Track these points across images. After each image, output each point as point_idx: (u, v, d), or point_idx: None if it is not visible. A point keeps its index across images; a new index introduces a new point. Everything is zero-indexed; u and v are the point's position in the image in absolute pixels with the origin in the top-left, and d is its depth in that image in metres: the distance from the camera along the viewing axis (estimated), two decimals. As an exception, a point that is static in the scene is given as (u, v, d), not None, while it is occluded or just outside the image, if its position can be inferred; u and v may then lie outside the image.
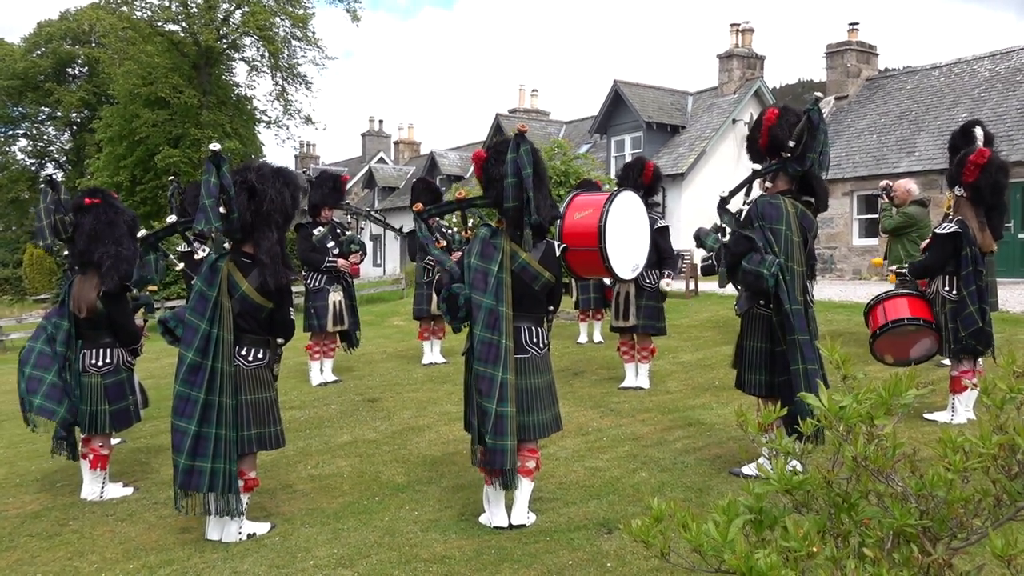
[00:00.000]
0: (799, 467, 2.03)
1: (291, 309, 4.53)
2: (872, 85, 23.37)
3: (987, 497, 1.88)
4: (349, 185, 39.68)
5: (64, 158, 46.01)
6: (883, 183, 8.25)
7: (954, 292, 5.70)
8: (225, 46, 32.15)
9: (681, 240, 17.93)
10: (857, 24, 23.31)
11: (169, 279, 18.51)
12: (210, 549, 4.26)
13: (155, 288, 5.99)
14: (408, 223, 10.03)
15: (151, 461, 6.16)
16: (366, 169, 40.16)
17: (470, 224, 4.67)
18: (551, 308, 4.49)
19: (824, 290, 13.85)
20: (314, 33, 33.08)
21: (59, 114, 43.39)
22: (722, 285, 5.00)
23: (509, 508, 4.33)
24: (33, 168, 44.48)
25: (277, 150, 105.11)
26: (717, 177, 21.10)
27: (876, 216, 19.96)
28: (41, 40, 42.32)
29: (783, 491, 1.90)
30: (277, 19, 31.71)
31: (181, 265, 5.27)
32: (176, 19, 31.21)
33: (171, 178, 9.01)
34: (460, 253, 7.05)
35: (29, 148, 45.32)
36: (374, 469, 5.61)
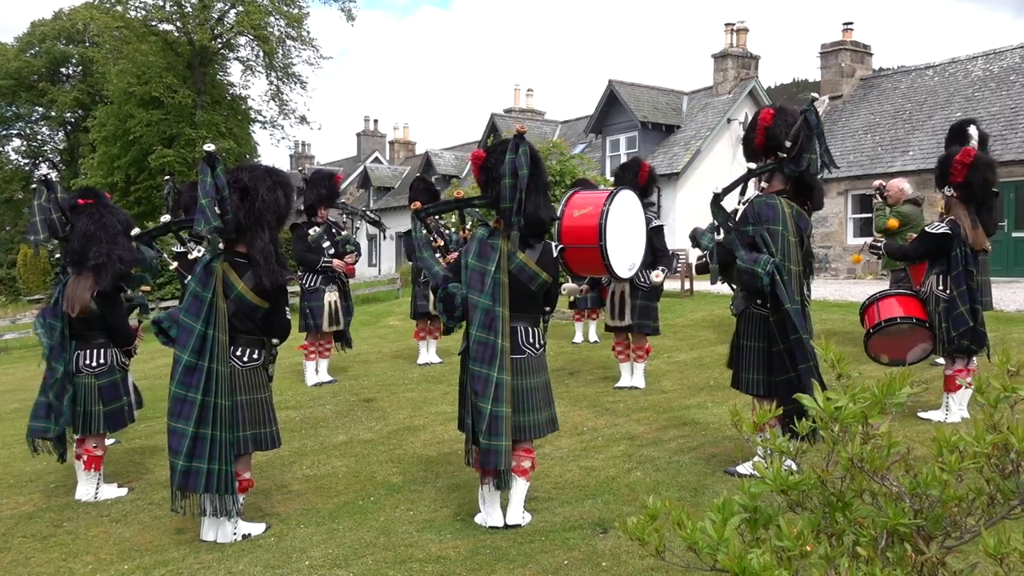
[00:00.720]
0: (794, 466, 2.04)
1: (287, 309, 4.52)
2: (866, 84, 23.43)
3: (981, 496, 1.89)
4: (344, 185, 39.74)
5: (58, 158, 45.92)
6: (877, 183, 8.27)
7: (946, 291, 5.72)
8: (219, 46, 32.11)
9: (676, 240, 17.95)
10: (851, 24, 23.39)
11: (163, 279, 18.45)
12: (205, 550, 4.25)
13: (149, 288, 5.99)
14: (404, 223, 10.04)
15: (146, 462, 6.15)
16: (361, 169, 40.11)
17: (468, 224, 4.67)
18: (547, 309, 4.50)
19: (819, 289, 13.88)
20: (309, 33, 33.14)
21: (53, 114, 43.30)
22: (713, 282, 5.01)
23: (504, 508, 4.33)
24: (27, 168, 44.39)
25: (272, 150, 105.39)
26: (712, 177, 21.11)
27: (871, 215, 20.04)
28: (35, 39, 42.23)
29: (778, 491, 1.90)
30: (272, 19, 31.70)
31: (175, 264, 5.25)
32: (170, 18, 31.16)
33: (167, 177, 8.99)
34: (457, 253, 7.05)
35: (23, 148, 45.25)
36: (369, 469, 5.60)
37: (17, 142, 44.99)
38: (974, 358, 5.91)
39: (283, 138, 49.24)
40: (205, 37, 30.45)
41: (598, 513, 4.41)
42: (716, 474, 4.96)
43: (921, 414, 5.99)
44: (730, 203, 4.98)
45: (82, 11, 32.95)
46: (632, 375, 7.82)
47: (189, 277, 4.35)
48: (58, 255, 5.42)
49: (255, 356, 4.35)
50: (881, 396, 1.84)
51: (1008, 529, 1.78)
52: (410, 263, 10.01)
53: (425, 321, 9.83)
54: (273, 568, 3.95)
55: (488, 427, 4.07)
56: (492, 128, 29.03)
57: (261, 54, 32.53)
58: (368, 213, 10.40)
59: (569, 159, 18.29)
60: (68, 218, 5.19)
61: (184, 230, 5.44)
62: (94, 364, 5.18)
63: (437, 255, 8.89)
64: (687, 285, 15.48)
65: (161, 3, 30.78)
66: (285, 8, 31.82)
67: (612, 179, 8.31)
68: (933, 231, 5.76)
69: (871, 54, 24.23)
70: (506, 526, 4.27)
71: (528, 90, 34.62)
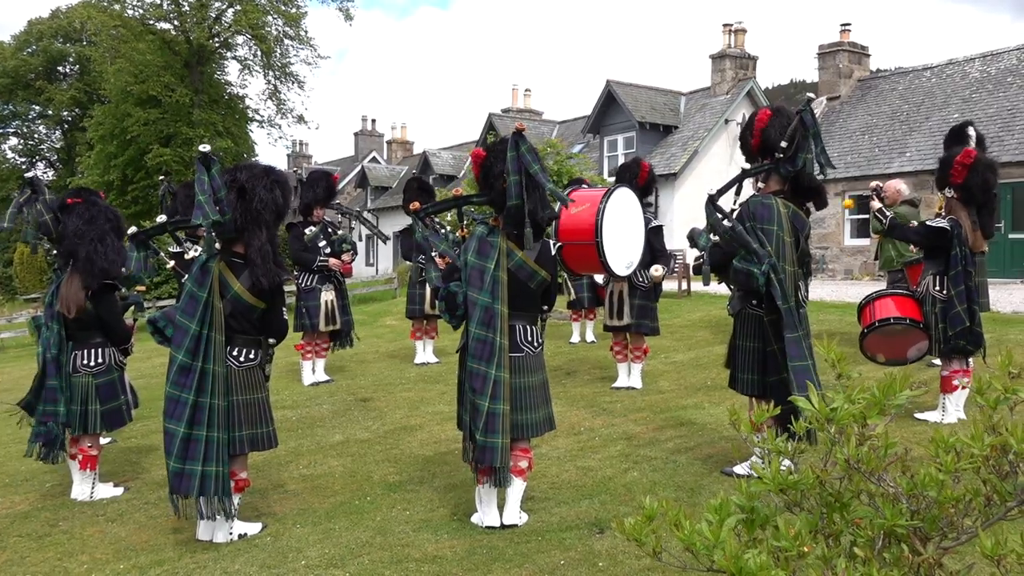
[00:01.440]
0: (791, 466, 2.03)
1: (284, 309, 4.51)
2: (864, 86, 23.46)
3: (977, 497, 1.88)
4: (342, 184, 39.70)
5: (55, 157, 45.85)
6: (874, 184, 8.27)
7: (943, 292, 5.72)
8: (217, 44, 32.04)
9: (674, 240, 17.95)
10: (849, 25, 23.42)
11: (160, 278, 18.43)
12: (201, 549, 4.24)
13: (144, 288, 5.97)
14: (401, 223, 10.03)
15: (142, 461, 6.14)
16: (359, 168, 40.09)
17: (465, 223, 4.66)
18: (545, 307, 4.49)
19: (816, 290, 13.88)
20: (306, 32, 33.06)
21: (50, 112, 43.24)
22: (706, 283, 5.01)
23: (501, 508, 4.32)
24: (23, 167, 44.28)
25: (269, 149, 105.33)
26: (710, 177, 21.12)
27: (867, 216, 20.06)
28: (32, 38, 42.16)
29: (776, 490, 1.90)
30: (269, 18, 31.63)
31: (172, 263, 5.24)
32: (168, 17, 31.10)
33: (162, 178, 8.97)
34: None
35: (20, 147, 45.18)
36: (366, 469, 5.60)
37: (14, 141, 44.98)
38: (970, 359, 5.92)
39: (280, 137, 49.32)
40: (203, 36, 30.39)
41: (595, 513, 4.41)
42: (713, 474, 4.96)
43: (918, 415, 5.99)
44: (726, 204, 4.98)
45: (79, 9, 32.88)
46: (629, 375, 7.82)
47: (186, 276, 4.33)
48: (55, 252, 5.41)
49: (251, 356, 4.34)
50: (881, 397, 1.83)
51: (1005, 530, 1.78)
52: (408, 263, 9.97)
53: (421, 321, 9.83)
54: (269, 568, 3.94)
55: (485, 424, 4.07)
56: (490, 128, 29.02)
57: (259, 53, 32.47)
58: (366, 217, 10.38)
59: (567, 159, 18.29)
60: (59, 218, 5.17)
61: (181, 230, 5.43)
62: (92, 364, 5.17)
63: (435, 254, 8.92)
64: (685, 285, 15.48)
65: (159, 2, 30.71)
66: (283, 7, 31.75)
67: (611, 179, 8.30)
68: (933, 224, 5.76)
69: (869, 55, 24.27)
70: (503, 526, 4.27)
71: (526, 90, 34.62)
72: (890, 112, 21.45)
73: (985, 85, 20.17)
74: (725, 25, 25.21)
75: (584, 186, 6.50)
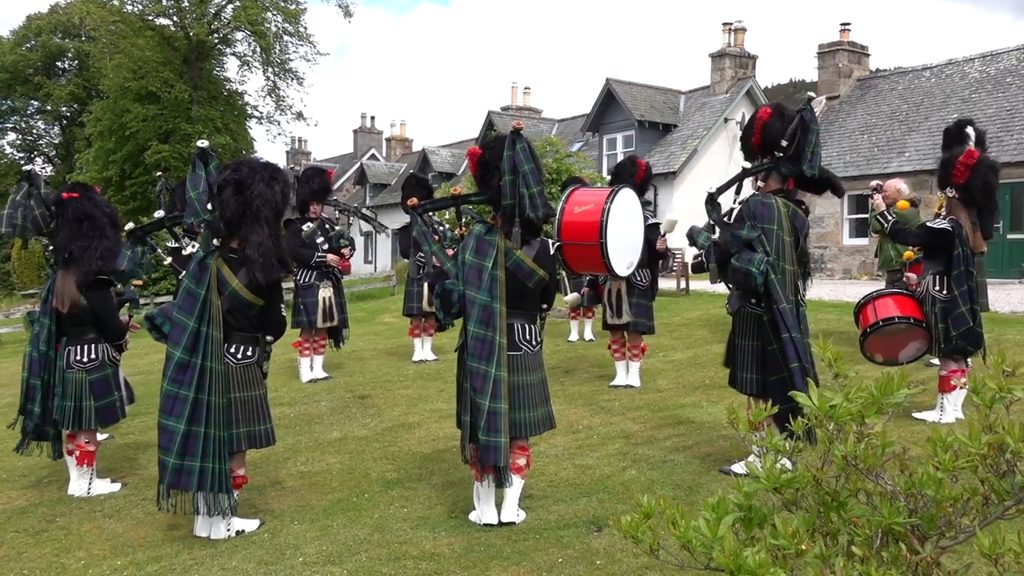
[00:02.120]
0: (788, 465, 2.03)
1: (282, 306, 4.51)
2: (863, 85, 23.45)
3: (975, 496, 1.88)
4: (341, 181, 39.66)
5: (53, 152, 45.75)
6: (873, 183, 8.25)
7: (944, 292, 5.72)
8: (216, 41, 32.01)
9: (672, 239, 17.94)
10: (849, 24, 23.39)
11: (158, 275, 18.40)
12: (198, 546, 4.24)
13: (141, 283, 5.96)
14: (400, 220, 10.02)
15: (139, 457, 6.13)
16: (358, 165, 40.03)
17: (464, 221, 4.65)
18: (544, 306, 4.49)
19: (814, 290, 13.87)
20: (306, 28, 33.03)
21: (48, 108, 43.14)
22: (713, 281, 5.01)
23: (499, 505, 4.32)
24: (22, 162, 44.19)
25: (268, 146, 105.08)
26: (709, 176, 21.10)
27: (867, 216, 20.05)
28: (30, 33, 42.04)
29: (772, 489, 1.90)
30: (269, 14, 31.59)
31: (169, 259, 5.24)
32: (167, 13, 31.06)
33: (159, 174, 8.96)
34: (451, 251, 7.03)
35: (18, 142, 45.08)
36: (364, 466, 5.59)
37: (12, 136, 44.86)
38: (969, 359, 5.92)
39: (280, 134, 49.18)
40: (202, 32, 30.35)
41: (593, 511, 4.41)
42: (711, 473, 4.96)
43: (916, 415, 6.00)
44: (725, 202, 4.98)
45: (78, 5, 32.79)
46: (627, 373, 7.82)
47: (184, 273, 4.32)
48: (51, 248, 5.40)
49: (249, 353, 4.33)
50: (879, 396, 1.83)
51: (1002, 529, 1.78)
52: (406, 260, 9.96)
53: (419, 318, 9.82)
54: (266, 564, 3.94)
55: (487, 423, 4.06)
56: (489, 126, 29.01)
57: (258, 49, 32.43)
58: (365, 212, 10.38)
59: (565, 157, 18.28)
60: (53, 213, 5.17)
61: (178, 226, 5.42)
62: (85, 359, 5.16)
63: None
64: (683, 284, 15.48)
65: (158, -3, 30.70)
66: (282, 3, 31.70)
67: (609, 177, 8.29)
68: (933, 226, 5.76)
69: (868, 55, 24.26)
70: (501, 524, 4.27)
71: (525, 88, 34.56)
72: (889, 112, 21.45)
73: (984, 85, 20.17)
74: (725, 24, 25.19)
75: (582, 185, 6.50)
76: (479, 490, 4.31)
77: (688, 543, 1.83)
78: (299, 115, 34.89)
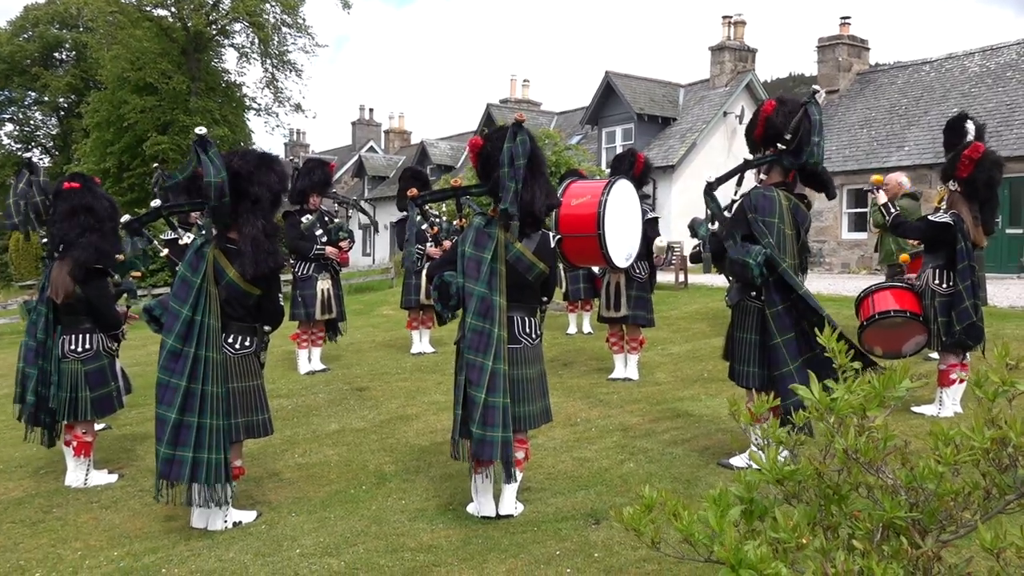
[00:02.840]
0: (789, 457, 2.02)
1: (279, 296, 4.49)
2: (863, 79, 23.41)
3: (977, 490, 1.88)
4: (339, 174, 39.57)
5: (51, 143, 45.61)
6: (873, 178, 8.19)
7: (944, 285, 5.71)
8: (215, 32, 31.91)
9: (672, 232, 17.94)
10: (849, 18, 23.34)
11: (155, 266, 18.36)
12: (195, 537, 4.23)
13: (140, 274, 5.94)
14: (397, 212, 9.99)
15: (136, 448, 6.12)
16: (356, 158, 39.96)
17: (463, 213, 4.63)
18: (544, 299, 4.47)
19: (813, 284, 13.86)
20: (304, 20, 32.92)
21: (46, 99, 42.98)
22: (706, 271, 5.00)
23: (497, 498, 4.31)
24: (19, 153, 44.05)
25: (267, 138, 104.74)
26: (708, 169, 20.94)
27: (866, 210, 20.05)
28: (28, 23, 41.87)
29: (774, 481, 1.89)
30: (267, 5, 31.51)
31: (166, 251, 5.21)
32: (165, 4, 30.95)
33: (156, 165, 8.92)
34: (449, 242, 7.00)
35: (15, 133, 44.92)
36: (361, 458, 5.58)
37: (9, 127, 44.70)
38: (968, 353, 5.92)
39: (278, 126, 49.23)
40: (200, 23, 30.25)
41: (591, 504, 4.40)
42: (709, 466, 4.96)
43: (914, 408, 6.00)
44: (726, 194, 4.96)
45: (76, -5, 32.72)
46: (626, 366, 7.82)
47: (180, 264, 4.30)
48: (44, 239, 5.38)
49: (247, 343, 4.32)
50: (881, 389, 1.82)
51: (1004, 524, 1.77)
52: (403, 252, 9.93)
53: (417, 311, 9.81)
54: (264, 556, 3.93)
55: (482, 417, 4.03)
56: (488, 118, 28.95)
57: (256, 41, 32.35)
58: (362, 204, 10.36)
59: (564, 150, 18.25)
60: (51, 202, 5.14)
61: (174, 215, 5.39)
62: (80, 349, 5.14)
63: (430, 244, 8.88)
64: (681, 277, 15.48)
65: (156, -12, 30.58)
66: (280, -5, 31.64)
67: (608, 170, 8.27)
68: (935, 219, 5.74)
69: (868, 49, 24.20)
70: (498, 516, 4.26)
71: (524, 81, 34.49)
72: (889, 106, 21.42)
73: (984, 80, 20.14)
74: (724, 17, 25.13)
75: (579, 178, 6.48)
76: (477, 483, 4.30)
77: (690, 536, 1.82)
78: (297, 107, 34.97)
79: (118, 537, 4.30)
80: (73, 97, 41.86)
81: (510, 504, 4.30)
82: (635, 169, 7.46)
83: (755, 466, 1.97)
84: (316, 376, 8.68)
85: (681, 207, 21.65)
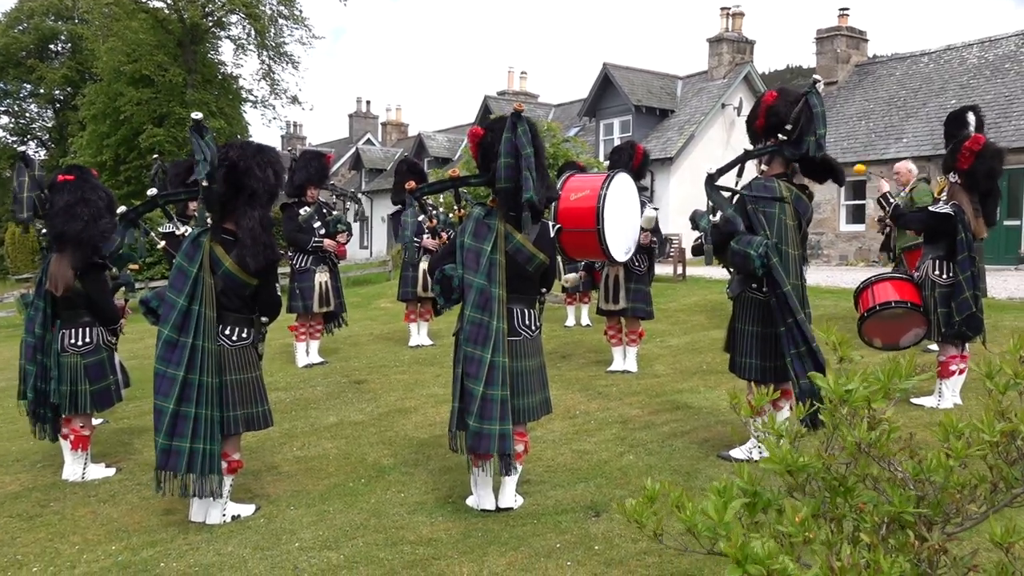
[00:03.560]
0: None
1: (277, 286, 4.45)
2: (861, 71, 23.37)
3: (984, 483, 1.86)
4: (336, 166, 39.47)
5: (47, 136, 45.43)
6: (883, 188, 7.68)
7: (944, 277, 5.69)
8: (211, 24, 31.75)
9: (669, 224, 17.87)
10: (848, 10, 23.28)
11: (153, 259, 18.30)
12: (194, 531, 4.21)
13: (138, 267, 5.90)
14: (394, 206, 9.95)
15: (134, 442, 6.09)
16: (353, 150, 39.88)
17: (461, 205, 4.59)
18: (543, 290, 4.44)
19: (811, 275, 13.81)
20: (301, 12, 32.78)
21: (42, 91, 42.78)
22: (708, 263, 4.97)
23: (496, 491, 4.29)
24: (15, 146, 43.86)
25: (263, 130, 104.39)
26: (706, 162, 20.92)
27: (863, 202, 20.03)
28: (23, 15, 41.63)
29: (783, 472, 1.86)
30: (263, -4, 31.34)
31: (163, 243, 5.17)
32: (161, -5, 30.78)
33: (155, 156, 8.87)
34: (445, 234, 6.97)
35: (11, 125, 44.74)
36: (360, 451, 5.56)
37: (5, 119, 44.50)
38: (967, 344, 5.90)
39: (275, 118, 49.03)
40: (196, 15, 30.11)
41: (590, 496, 4.39)
42: (709, 458, 4.94)
43: (914, 400, 5.98)
44: (728, 185, 4.93)
45: (71, -13, 32.54)
46: (624, 359, 7.80)
47: (177, 254, 4.27)
48: (44, 232, 5.34)
49: (244, 335, 4.29)
50: (886, 381, 1.80)
51: (1013, 517, 1.75)
52: (400, 245, 9.91)
53: (415, 303, 9.78)
54: (262, 550, 3.91)
55: (480, 410, 4.01)
56: (486, 111, 28.89)
57: (252, 32, 32.17)
58: (357, 196, 10.32)
59: (562, 142, 18.19)
60: (47, 196, 5.11)
61: (171, 204, 5.35)
62: (79, 343, 5.11)
63: (427, 236, 8.85)
64: (680, 270, 15.46)
65: (151, -21, 30.41)
66: (277, -14, 31.48)
67: (606, 162, 8.23)
68: (936, 210, 5.73)
69: (867, 40, 24.16)
70: (498, 509, 4.24)
71: (522, 73, 34.37)
72: (887, 97, 21.39)
73: (983, 71, 20.11)
74: (723, 9, 25.07)
75: (578, 170, 6.43)
76: (476, 476, 4.27)
77: (693, 527, 1.80)
78: (294, 99, 34.71)
79: (116, 531, 4.28)
80: (69, 89, 41.65)
81: (510, 497, 4.28)
82: (634, 161, 7.42)
83: (756, 458, 1.95)
84: (314, 369, 8.65)
85: (679, 199, 21.63)
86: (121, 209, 4.66)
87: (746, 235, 4.61)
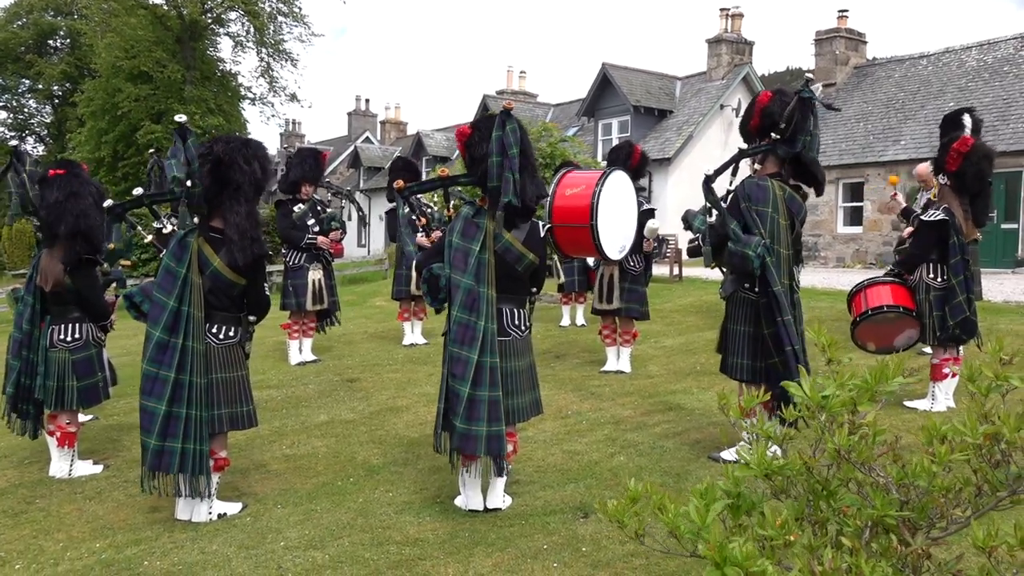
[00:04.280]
0: (779, 452, 1.98)
1: (265, 285, 4.42)
2: (860, 73, 23.35)
3: (968, 487, 1.83)
4: (335, 164, 39.41)
5: (45, 132, 45.37)
6: (898, 202, 7.57)
7: (939, 280, 5.67)
8: (210, 20, 31.66)
9: (667, 225, 17.82)
10: (847, 11, 23.24)
11: (147, 255, 18.27)
12: (179, 529, 4.18)
13: (130, 263, 5.86)
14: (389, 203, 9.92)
15: (122, 439, 6.05)
16: (352, 149, 39.85)
17: (452, 204, 4.56)
18: (534, 290, 4.41)
19: (807, 277, 13.84)
20: (300, 9, 32.74)
21: (40, 87, 42.74)
22: (707, 265, 4.94)
23: (485, 491, 4.26)
24: (13, 141, 43.81)
25: (262, 128, 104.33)
26: (704, 162, 21.01)
27: (861, 204, 20.04)
28: (22, 11, 41.59)
29: (762, 476, 1.84)
30: (262, -7, 31.26)
31: (149, 238, 5.14)
32: (159, -9, 30.70)
33: (152, 151, 8.84)
34: (439, 232, 6.93)
35: (9, 121, 44.71)
36: (350, 450, 5.53)
37: (3, 115, 44.48)
38: (961, 347, 5.88)
39: (273, 116, 48.79)
40: (195, 11, 30.01)
41: (580, 497, 4.36)
42: (700, 460, 4.91)
43: (907, 403, 5.96)
44: (722, 185, 4.91)
45: (70, -18, 32.47)
46: (618, 359, 7.77)
47: (164, 252, 4.24)
48: (38, 226, 5.31)
49: (231, 334, 4.25)
50: (873, 384, 1.77)
51: (996, 521, 1.72)
52: (395, 243, 9.87)
53: (409, 302, 9.75)
54: (247, 548, 3.88)
55: (466, 411, 3.97)
56: (484, 109, 28.85)
57: (251, 30, 32.08)
58: (356, 199, 10.29)
59: (560, 142, 18.15)
60: (38, 191, 5.08)
61: (158, 203, 5.32)
62: (68, 339, 5.08)
63: (420, 234, 8.83)
64: (676, 270, 15.43)
65: (150, -25, 30.32)
66: (276, -17, 31.41)
67: (604, 162, 8.20)
68: (930, 219, 5.70)
69: (865, 42, 24.12)
70: (486, 509, 4.21)
71: (521, 72, 34.37)
72: (885, 100, 21.37)
73: (981, 74, 20.09)
74: (722, 10, 25.04)
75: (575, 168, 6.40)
76: (464, 476, 4.24)
77: (675, 529, 1.77)
78: (293, 97, 34.69)
79: (101, 528, 4.24)
80: (67, 85, 41.61)
81: (498, 497, 4.25)
82: (632, 161, 7.40)
83: (743, 460, 1.92)
84: (307, 367, 8.62)
85: (677, 200, 21.59)
86: (108, 203, 4.62)
87: (745, 235, 4.59)
